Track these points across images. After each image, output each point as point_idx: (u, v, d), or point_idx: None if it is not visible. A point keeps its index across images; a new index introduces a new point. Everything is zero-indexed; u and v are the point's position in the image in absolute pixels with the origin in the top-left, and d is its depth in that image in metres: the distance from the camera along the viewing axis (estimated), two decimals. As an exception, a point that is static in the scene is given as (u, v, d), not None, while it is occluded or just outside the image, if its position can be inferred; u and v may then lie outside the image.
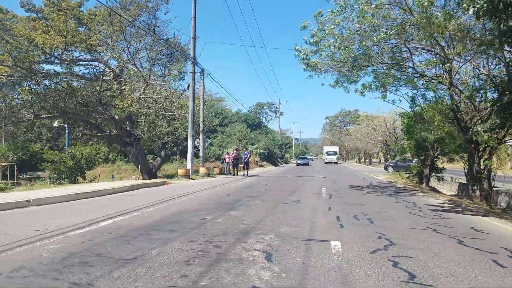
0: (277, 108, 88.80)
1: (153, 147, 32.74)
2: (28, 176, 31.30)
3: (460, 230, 7.50)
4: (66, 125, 20.36)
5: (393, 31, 12.52)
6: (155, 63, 26.09)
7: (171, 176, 24.09)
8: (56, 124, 20.59)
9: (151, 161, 29.02)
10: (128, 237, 5.83)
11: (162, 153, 28.75)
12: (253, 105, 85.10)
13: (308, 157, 72.14)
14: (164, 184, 17.62)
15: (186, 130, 24.75)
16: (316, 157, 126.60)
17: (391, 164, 36.69)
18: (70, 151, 16.61)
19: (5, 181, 23.97)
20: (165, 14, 30.52)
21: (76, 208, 9.15)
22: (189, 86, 28.26)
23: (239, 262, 4.71)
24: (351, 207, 10.23)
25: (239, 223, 7.39)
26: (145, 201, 10.21)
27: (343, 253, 5.34)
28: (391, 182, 22.10)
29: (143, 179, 21.71)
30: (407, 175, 24.87)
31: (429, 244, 6.13)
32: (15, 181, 23.30)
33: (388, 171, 35.05)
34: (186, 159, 46.97)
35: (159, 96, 21.50)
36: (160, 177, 24.51)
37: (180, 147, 32.94)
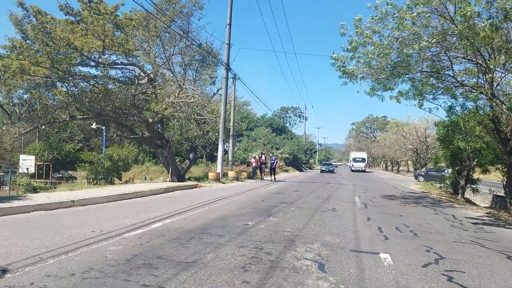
0: (301, 112, 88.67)
1: (180, 150, 33.31)
2: (60, 175, 32.30)
3: (506, 245, 7.43)
4: (103, 127, 20.91)
5: (434, 40, 12.40)
6: (188, 68, 26.60)
7: (198, 179, 24.43)
8: (94, 126, 21.19)
9: (178, 163, 29.47)
10: (182, 240, 5.99)
11: (191, 155, 29.18)
12: (277, 109, 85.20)
13: (332, 163, 68.88)
14: (196, 187, 17.89)
15: (216, 134, 25.05)
16: (340, 163, 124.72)
17: (422, 173, 35.99)
18: (107, 152, 17.06)
19: (40, 180, 24.88)
20: (198, 19, 31.28)
21: (123, 209, 9.42)
22: (218, 90, 28.68)
23: (293, 270, 4.78)
24: (390, 218, 10.15)
25: (281, 230, 7.47)
26: (185, 204, 10.42)
27: (395, 266, 5.33)
28: (425, 192, 21.70)
29: (172, 180, 22.13)
30: (439, 185, 24.38)
31: (478, 259, 6.07)
32: (50, 180, 24.15)
33: (419, 181, 34.38)
34: (212, 162, 47.47)
35: (192, 101, 21.87)
36: (189, 179, 24.95)
37: (208, 150, 33.37)
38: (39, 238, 5.78)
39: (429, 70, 15.17)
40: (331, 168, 50.12)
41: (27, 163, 22.49)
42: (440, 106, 17.82)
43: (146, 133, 24.81)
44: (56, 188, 16.37)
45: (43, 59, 19.54)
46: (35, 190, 13.72)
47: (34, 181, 16.87)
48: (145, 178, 22.87)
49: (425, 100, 16.62)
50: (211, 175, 21.36)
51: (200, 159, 38.82)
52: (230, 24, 22.52)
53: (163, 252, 5.20)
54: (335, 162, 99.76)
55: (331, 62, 14.73)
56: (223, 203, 11.28)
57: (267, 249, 5.80)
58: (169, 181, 21.80)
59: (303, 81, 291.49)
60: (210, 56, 25.67)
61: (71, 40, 18.92)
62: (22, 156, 22.08)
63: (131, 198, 12.21)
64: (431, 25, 13.00)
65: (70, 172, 34.66)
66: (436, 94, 16.89)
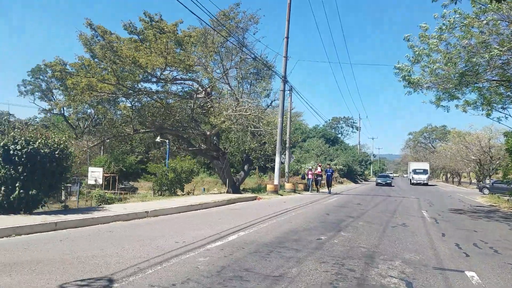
0: (354, 122, 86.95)
1: (233, 161, 33.85)
2: (123, 186, 33.91)
3: None
4: (167, 140, 21.80)
5: (505, 48, 11.79)
6: (243, 81, 27.16)
7: (254, 190, 24.67)
8: (158, 139, 22.15)
9: (232, 174, 29.94)
10: (262, 253, 6.09)
11: (246, 167, 29.56)
12: (329, 120, 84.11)
13: (389, 175, 63.46)
14: (255, 199, 18.06)
15: (272, 146, 25.22)
16: (396, 175, 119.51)
17: (487, 186, 33.79)
18: (171, 164, 17.74)
19: (106, 191, 26.30)
20: (254, 34, 32.00)
21: (194, 220, 9.75)
22: (272, 102, 28.94)
23: (383, 288, 4.70)
24: (465, 233, 9.66)
25: (357, 246, 7.36)
26: (253, 217, 10.57)
27: (485, 285, 5.09)
28: (493, 205, 20.39)
29: (228, 192, 22.53)
30: (507, 198, 22.84)
31: None
32: (116, 191, 25.44)
33: (484, 193, 32.32)
34: (264, 173, 47.55)
35: (248, 113, 22.23)
36: (243, 191, 25.28)
37: (262, 162, 33.62)
38: (130, 248, 6.13)
39: (498, 79, 14.43)
40: (388, 181, 45.10)
41: (95, 174, 23.84)
42: (510, 115, 16.82)
43: (203, 145, 25.58)
44: (121, 198, 17.28)
45: (109, 76, 20.79)
46: (107, 201, 14.53)
47: (106, 192, 17.83)
48: (204, 190, 23.43)
49: (494, 109, 15.86)
50: (269, 187, 21.50)
51: (252, 171, 39.18)
52: (287, 37, 22.74)
53: (248, 265, 5.32)
54: (391, 174, 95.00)
55: (395, 71, 14.44)
56: (288, 216, 11.30)
57: (348, 266, 5.74)
58: (226, 192, 22.21)
59: (358, 91, 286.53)
60: (265, 69, 26.05)
61: (136, 58, 19.90)
62: (90, 168, 23.47)
63: (197, 210, 12.61)
64: (499, 32, 12.41)
65: (131, 183, 36.34)
66: (506, 103, 16.02)
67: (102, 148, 33.76)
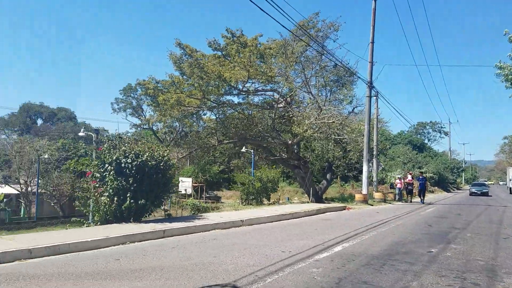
0: (442, 127, 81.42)
1: (312, 170, 33.46)
2: (208, 195, 35.32)
3: None
4: (252, 150, 22.32)
5: None
6: (324, 88, 26.86)
7: (335, 199, 24.10)
8: (244, 149, 22.78)
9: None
10: (374, 266, 5.88)
11: (328, 176, 29.02)
12: (414, 125, 79.52)
13: (485, 182, 53.77)
14: (344, 209, 17.63)
15: (358, 154, 24.48)
16: (491, 182, 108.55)
17: None
18: (257, 174, 18.07)
19: (194, 199, 27.60)
20: (334, 41, 31.57)
21: (291, 230, 9.78)
22: (354, 109, 28.16)
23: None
24: None
25: (472, 259, 6.79)
26: (349, 228, 10.30)
27: None
28: None
29: (311, 201, 22.26)
30: None
31: None
32: (204, 200, 26.61)
33: None
34: (346, 182, 46.23)
35: (331, 121, 21.87)
36: (326, 200, 24.82)
37: (345, 171, 32.81)
38: (240, 256, 6.31)
39: None
40: (484, 190, 38.89)
41: (185, 184, 25.23)
42: None
43: (284, 155, 25.69)
44: (212, 207, 17.93)
45: (195, 91, 21.89)
46: (200, 210, 15.19)
47: (198, 200, 18.71)
48: (288, 199, 23.47)
49: None
50: (357, 196, 20.89)
51: (334, 179, 38.40)
52: (372, 43, 22.09)
53: (364, 278, 5.15)
54: (485, 181, 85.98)
55: (496, 72, 13.34)
56: (388, 227, 10.80)
57: (471, 279, 5.33)
58: (309, 202, 22.00)
59: (447, 94, 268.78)
60: (347, 75, 25.53)
61: (221, 73, 20.72)
62: (181, 178, 24.90)
63: (288, 219, 12.63)
64: None
65: (215, 192, 37.69)
66: None
67: (188, 159, 35.58)
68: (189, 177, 28.77)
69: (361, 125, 24.11)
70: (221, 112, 25.79)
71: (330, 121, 21.80)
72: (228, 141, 25.55)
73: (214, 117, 26.63)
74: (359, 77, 22.56)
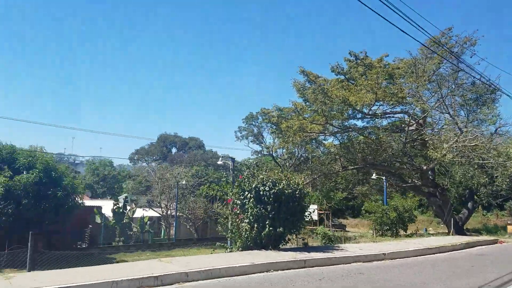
0: None
1: (448, 197, 30.16)
2: (332, 223, 34.40)
3: None
4: (383, 178, 21.15)
5: None
6: (461, 108, 24.30)
7: (478, 231, 21.10)
8: (374, 176, 21.74)
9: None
10: None
11: (469, 205, 25.89)
12: None
13: None
14: (496, 242, 15.37)
15: (507, 180, 21.27)
16: None
17: None
18: (392, 203, 16.92)
19: (319, 227, 27.07)
20: (470, 57, 28.86)
21: (444, 266, 8.73)
22: (496, 130, 24.66)
23: None
24: None
25: None
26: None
27: None
28: None
29: (451, 233, 19.87)
30: None
31: None
32: (330, 228, 25.90)
33: None
34: (489, 211, 40.62)
35: (473, 144, 19.50)
36: (469, 231, 21.97)
37: (491, 199, 28.91)
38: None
39: None
40: None
41: (310, 210, 24.91)
42: None
43: (417, 181, 23.62)
44: (343, 237, 17.23)
45: (318, 117, 21.73)
46: (331, 239, 14.72)
47: (329, 229, 18.26)
48: (426, 230, 21.43)
49: None
50: (510, 228, 18.06)
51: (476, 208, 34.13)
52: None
53: None
54: None
55: None
56: None
57: None
58: (449, 233, 19.72)
59: None
60: (488, 93, 22.85)
61: (346, 97, 20.20)
62: (307, 205, 24.71)
63: (434, 253, 11.41)
64: None
65: (340, 220, 36.58)
66: None
67: (310, 185, 35.40)
68: (313, 203, 28.47)
69: (509, 147, 21.00)
70: (345, 137, 25.19)
71: (471, 144, 19.47)
72: (353, 167, 24.67)
73: (337, 143, 26.14)
74: (506, 94, 19.80)
